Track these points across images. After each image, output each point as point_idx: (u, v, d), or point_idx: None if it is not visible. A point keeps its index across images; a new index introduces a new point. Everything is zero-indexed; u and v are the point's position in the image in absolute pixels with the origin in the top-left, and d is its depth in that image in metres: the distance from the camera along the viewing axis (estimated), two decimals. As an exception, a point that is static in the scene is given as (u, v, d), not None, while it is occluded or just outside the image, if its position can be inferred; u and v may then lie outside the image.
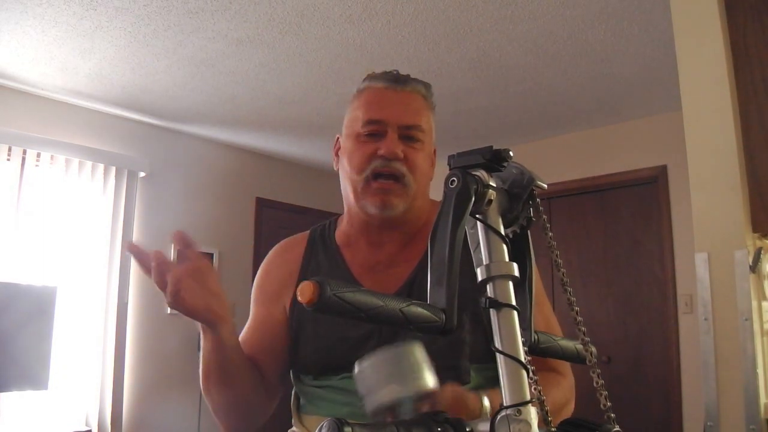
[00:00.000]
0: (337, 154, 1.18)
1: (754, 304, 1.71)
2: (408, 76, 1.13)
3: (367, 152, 1.06)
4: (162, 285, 0.90)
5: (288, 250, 1.21)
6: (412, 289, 1.07)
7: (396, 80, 1.11)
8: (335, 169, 1.18)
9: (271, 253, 1.24)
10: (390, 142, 1.05)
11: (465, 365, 1.02)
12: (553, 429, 0.65)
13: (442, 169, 0.63)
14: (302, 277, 1.14)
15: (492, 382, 1.04)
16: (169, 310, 4.08)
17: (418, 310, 0.59)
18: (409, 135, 1.07)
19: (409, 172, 1.06)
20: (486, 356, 0.99)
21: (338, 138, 1.18)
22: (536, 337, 0.73)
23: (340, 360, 1.05)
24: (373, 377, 0.67)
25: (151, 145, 4.14)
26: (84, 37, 2.89)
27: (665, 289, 3.79)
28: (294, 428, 1.13)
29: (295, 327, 1.11)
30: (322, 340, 1.07)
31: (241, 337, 1.17)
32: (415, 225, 1.13)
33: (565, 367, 1.14)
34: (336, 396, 1.05)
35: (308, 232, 1.23)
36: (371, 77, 1.14)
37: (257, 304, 1.18)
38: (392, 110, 1.07)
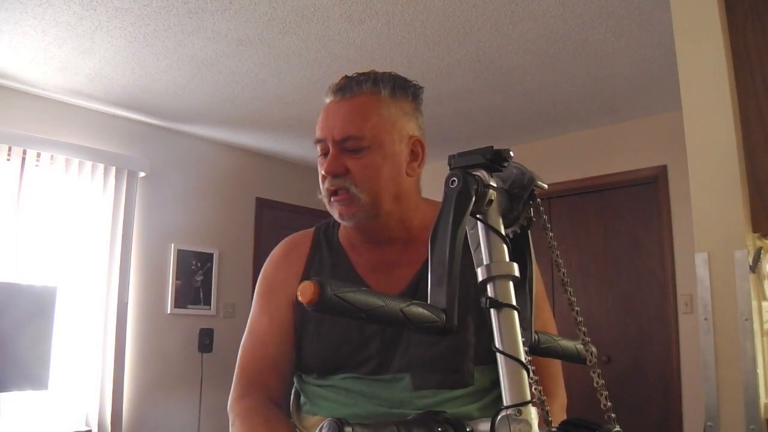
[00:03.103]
0: None
1: (754, 304, 1.71)
2: (355, 77, 1.08)
3: (321, 173, 1.07)
4: None
5: (292, 251, 1.18)
6: (417, 291, 1.06)
7: (341, 90, 1.07)
8: None
9: (274, 253, 1.21)
10: (329, 159, 1.04)
11: (468, 368, 1.02)
12: (553, 429, 0.65)
13: (442, 169, 0.63)
14: (306, 277, 1.13)
15: (495, 384, 1.05)
16: (169, 310, 4.08)
17: (418, 310, 0.59)
18: (347, 147, 1.04)
19: (354, 185, 1.03)
20: (490, 358, 0.98)
21: None
22: (536, 337, 0.74)
23: (343, 361, 1.05)
24: None
25: (151, 145, 4.14)
26: (84, 37, 2.89)
27: (665, 289, 3.79)
28: (293, 428, 1.13)
29: (299, 327, 1.10)
30: (325, 341, 1.07)
31: (244, 349, 1.15)
32: (404, 228, 1.11)
33: (558, 385, 1.12)
34: (338, 396, 1.05)
35: (312, 230, 1.21)
36: (326, 92, 1.10)
37: (261, 312, 1.15)
38: (330, 127, 1.05)
